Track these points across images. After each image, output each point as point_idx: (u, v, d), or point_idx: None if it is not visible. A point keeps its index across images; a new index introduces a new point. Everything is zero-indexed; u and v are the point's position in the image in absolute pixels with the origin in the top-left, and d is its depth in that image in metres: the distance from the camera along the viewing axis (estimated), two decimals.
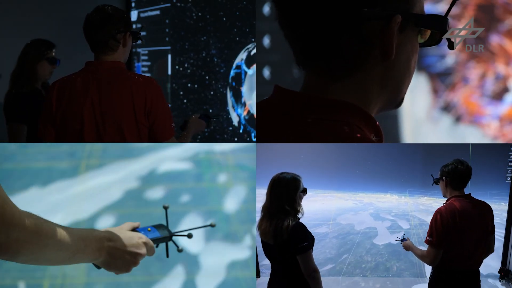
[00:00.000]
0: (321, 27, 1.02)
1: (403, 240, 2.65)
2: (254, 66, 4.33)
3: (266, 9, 3.98)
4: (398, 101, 1.13)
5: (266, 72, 3.99)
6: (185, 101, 4.78)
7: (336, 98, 1.04)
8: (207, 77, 4.58)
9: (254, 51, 4.26)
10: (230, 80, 4.66)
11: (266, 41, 3.93)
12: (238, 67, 4.56)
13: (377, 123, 1.07)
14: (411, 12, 1.04)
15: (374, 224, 4.73)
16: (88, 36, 2.66)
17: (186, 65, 4.77)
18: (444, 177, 2.42)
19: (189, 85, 4.75)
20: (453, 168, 2.40)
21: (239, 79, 4.58)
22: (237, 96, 4.66)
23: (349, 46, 1.02)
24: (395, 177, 4.98)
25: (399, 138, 3.74)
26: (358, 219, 4.94)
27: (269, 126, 1.10)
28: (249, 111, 4.56)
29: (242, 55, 4.45)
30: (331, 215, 4.89)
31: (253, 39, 4.04)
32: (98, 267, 1.35)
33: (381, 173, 5.05)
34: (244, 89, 4.52)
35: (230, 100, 4.70)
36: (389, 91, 1.08)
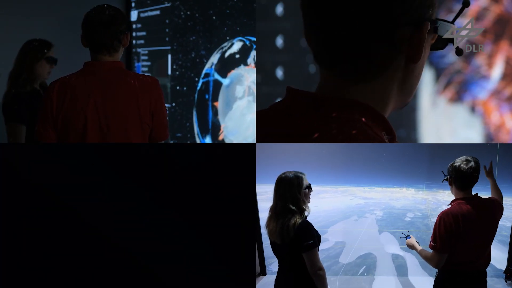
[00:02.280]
0: (354, 31, 1.02)
1: (407, 237, 2.62)
2: (232, 74, 4.10)
3: (280, 9, 3.96)
4: (406, 104, 1.15)
5: (279, 73, 3.97)
6: (173, 104, 4.73)
7: (350, 98, 1.05)
8: (196, 79, 4.51)
9: (231, 51, 4.12)
10: (196, 96, 4.48)
11: (280, 41, 3.91)
12: (207, 75, 4.38)
13: (388, 122, 1.08)
14: (433, 19, 1.06)
15: (374, 244, 4.41)
16: (91, 37, 2.63)
17: (174, 67, 4.72)
18: (448, 176, 2.32)
19: (177, 87, 4.69)
20: (456, 167, 2.27)
21: (206, 92, 4.34)
22: (203, 118, 4.43)
23: (379, 51, 1.03)
24: (411, 170, 4.78)
25: (424, 137, 3.72)
26: (357, 230, 4.69)
27: (283, 127, 1.10)
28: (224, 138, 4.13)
29: (214, 58, 4.26)
30: (327, 220, 4.73)
31: (249, 38, 3.99)
32: None
33: (396, 166, 4.88)
34: (219, 105, 4.30)
35: (195, 125, 4.49)
36: (404, 94, 1.11)
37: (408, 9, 1.01)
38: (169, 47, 4.81)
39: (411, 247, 2.57)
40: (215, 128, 4.29)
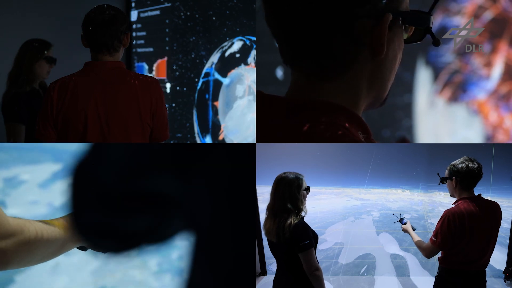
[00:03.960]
0: (313, 26, 1.00)
1: (401, 221, 2.64)
2: (233, 73, 4.10)
3: None
4: (383, 99, 1.12)
5: (279, 73, 3.97)
6: (173, 104, 4.74)
7: (322, 99, 1.03)
8: (196, 79, 4.52)
9: (231, 50, 4.12)
10: (196, 95, 4.49)
11: None
12: (207, 74, 4.39)
13: (363, 120, 1.05)
14: (399, 10, 1.03)
15: (373, 244, 4.38)
16: (91, 37, 2.63)
17: (174, 67, 4.73)
18: (453, 177, 2.34)
19: (177, 88, 4.70)
20: (463, 167, 2.30)
21: (207, 92, 4.36)
22: (204, 118, 4.43)
23: (340, 46, 1.00)
24: (407, 171, 4.76)
25: (419, 137, 3.72)
26: (355, 231, 4.67)
27: (257, 132, 1.08)
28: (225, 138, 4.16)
29: (214, 58, 4.27)
30: (324, 221, 4.72)
31: (246, 37, 4.00)
32: (85, 249, 1.32)
33: (392, 167, 4.87)
34: (219, 105, 4.31)
35: (195, 124, 4.51)
36: (376, 89, 1.08)
37: (366, 2, 0.99)
38: (169, 47, 4.82)
39: (405, 231, 2.60)
40: (215, 128, 4.29)
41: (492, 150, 3.75)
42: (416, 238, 2.50)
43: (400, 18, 1.03)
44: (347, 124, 1.01)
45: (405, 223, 2.64)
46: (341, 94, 1.03)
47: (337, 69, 1.02)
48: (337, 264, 4.15)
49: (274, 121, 1.04)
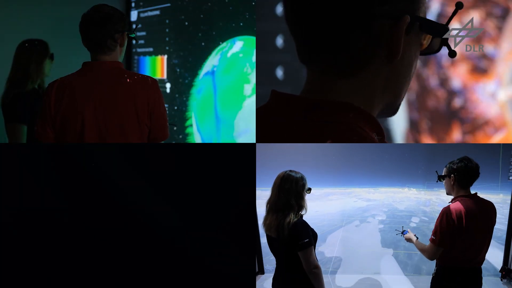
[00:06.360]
0: (331, 21, 1.01)
1: (403, 233, 2.69)
2: (232, 73, 4.08)
3: (280, 9, 3.97)
4: (395, 107, 1.13)
5: (279, 73, 3.98)
6: (173, 105, 4.74)
7: (337, 98, 1.04)
8: (196, 80, 4.51)
9: (232, 51, 4.13)
10: (197, 96, 4.49)
11: (280, 41, 3.93)
12: (208, 74, 4.36)
13: (378, 122, 1.06)
14: (418, 15, 1.04)
15: (377, 261, 4.30)
16: (86, 36, 2.64)
17: (174, 68, 4.73)
18: (451, 175, 2.38)
19: (177, 88, 4.70)
20: (462, 166, 2.35)
21: (208, 92, 4.32)
22: (204, 118, 4.42)
23: (357, 42, 1.02)
24: (412, 170, 4.75)
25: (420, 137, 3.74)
26: (358, 240, 4.62)
27: (269, 132, 1.09)
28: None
29: (215, 58, 4.28)
30: (327, 226, 4.69)
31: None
32: None
33: (397, 167, 4.85)
34: (220, 105, 4.30)
35: (194, 119, 4.53)
36: (391, 94, 1.08)
37: (385, 2, 1.00)
38: (168, 47, 4.83)
39: (409, 240, 2.65)
40: (219, 128, 4.30)
41: (500, 149, 3.78)
42: (418, 243, 2.54)
43: (418, 24, 1.04)
44: (363, 125, 1.03)
45: (406, 233, 2.69)
46: (355, 93, 1.04)
47: (352, 66, 1.03)
48: (335, 263, 4.15)
49: (290, 120, 1.05)
